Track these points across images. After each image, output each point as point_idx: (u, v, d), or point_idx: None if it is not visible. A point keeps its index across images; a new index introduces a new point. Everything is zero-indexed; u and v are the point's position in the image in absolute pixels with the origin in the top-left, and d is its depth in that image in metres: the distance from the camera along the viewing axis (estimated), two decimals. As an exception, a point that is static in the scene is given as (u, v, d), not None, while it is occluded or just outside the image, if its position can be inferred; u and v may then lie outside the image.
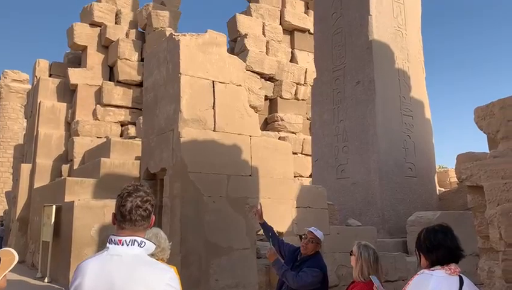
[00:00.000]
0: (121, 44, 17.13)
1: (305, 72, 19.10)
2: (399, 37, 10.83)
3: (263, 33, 18.81)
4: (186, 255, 5.87)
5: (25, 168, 15.19)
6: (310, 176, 14.67)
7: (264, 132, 17.24)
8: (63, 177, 12.94)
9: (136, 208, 2.05)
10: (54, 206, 10.44)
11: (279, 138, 17.18)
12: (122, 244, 1.98)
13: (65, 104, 16.70)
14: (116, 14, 18.46)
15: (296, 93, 18.86)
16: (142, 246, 2.00)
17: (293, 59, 19.53)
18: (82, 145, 15.33)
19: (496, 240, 4.39)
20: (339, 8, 11.18)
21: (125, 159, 12.19)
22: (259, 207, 5.11)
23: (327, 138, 11.03)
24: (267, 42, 18.61)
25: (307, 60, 19.24)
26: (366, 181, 9.91)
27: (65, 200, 10.49)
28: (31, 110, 17.32)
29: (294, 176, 15.60)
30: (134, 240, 1.99)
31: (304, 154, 17.48)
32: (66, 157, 15.88)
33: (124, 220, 2.04)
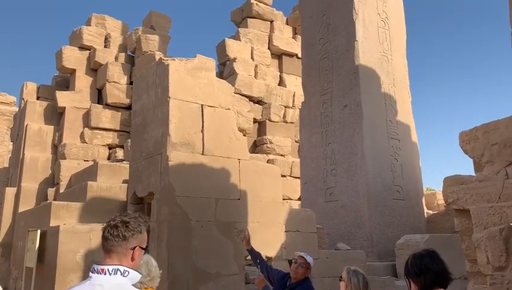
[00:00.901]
0: (110, 67, 17.17)
1: (294, 95, 19.29)
2: (385, 62, 11.05)
3: (252, 57, 19.05)
4: (173, 282, 5.77)
5: (10, 191, 14.91)
6: (299, 199, 14.65)
7: (253, 154, 17.25)
8: (48, 201, 12.72)
9: (111, 227, 2.02)
10: (39, 231, 10.21)
11: (268, 161, 17.21)
12: (105, 274, 1.93)
13: (52, 127, 16.56)
14: (106, 38, 18.55)
15: (284, 116, 19.00)
16: (125, 275, 1.95)
17: (281, 82, 19.75)
18: (69, 168, 15.14)
19: (484, 264, 4.41)
20: (326, 33, 11.40)
21: (112, 183, 12.04)
22: (246, 233, 5.08)
23: (316, 161, 11.08)
24: (256, 66, 18.83)
25: (295, 84, 19.46)
26: (355, 204, 9.94)
27: (50, 225, 10.27)
28: (18, 133, 17.13)
29: (283, 199, 15.59)
30: (117, 269, 1.94)
31: (292, 176, 17.49)
32: (52, 180, 15.65)
33: (103, 243, 2.01)
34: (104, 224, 2.07)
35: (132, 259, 2.03)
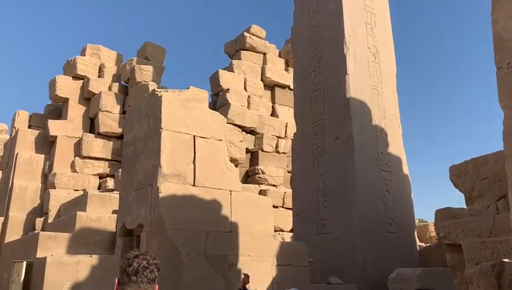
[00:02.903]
0: (103, 97, 17.24)
1: (286, 125, 19.42)
2: (376, 95, 11.21)
3: (245, 88, 19.26)
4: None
5: (-3, 221, 14.62)
6: (291, 231, 14.51)
7: (245, 184, 17.19)
8: (36, 232, 12.48)
9: (143, 268, 1.98)
10: (25, 263, 9.96)
11: (260, 191, 17.13)
12: None
13: (43, 155, 16.44)
14: (100, 68, 18.70)
15: (277, 147, 19.06)
16: None
17: (273, 113, 19.91)
18: (58, 198, 14.94)
19: (477, 301, 4.36)
20: (318, 66, 11.60)
21: (101, 213, 11.88)
22: (247, 279, 5.02)
23: (308, 192, 11.05)
24: (249, 97, 19.02)
25: (287, 114, 19.62)
26: (347, 237, 9.85)
27: (37, 256, 10.04)
28: (7, 162, 16.97)
29: (275, 230, 15.44)
30: None
31: (285, 207, 17.38)
32: (41, 210, 15.41)
33: (130, 281, 1.96)
34: (129, 261, 2.02)
35: None
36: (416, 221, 12.62)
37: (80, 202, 12.81)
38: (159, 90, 7.18)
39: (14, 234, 14.14)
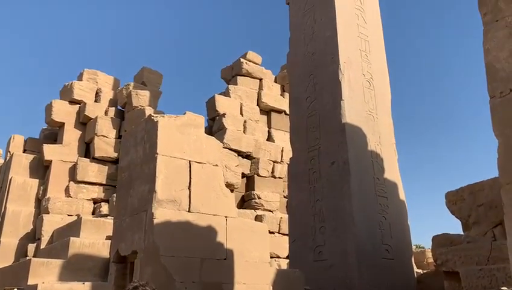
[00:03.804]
0: (99, 121, 17.27)
1: (282, 150, 19.45)
2: (371, 121, 11.28)
3: (241, 113, 19.37)
4: None
5: (-12, 247, 14.39)
6: (287, 257, 14.34)
7: (241, 210, 17.07)
8: (28, 258, 12.28)
9: None
10: (15, 290, 9.77)
11: (256, 217, 17.00)
12: None
13: (37, 180, 16.34)
14: (97, 93, 18.80)
15: (273, 171, 19.03)
16: None
17: (269, 138, 19.97)
18: (51, 223, 14.77)
19: (476, 331, 4.29)
20: (313, 92, 11.69)
21: (95, 239, 11.74)
22: None
23: (304, 218, 10.96)
24: (245, 121, 19.10)
25: (283, 139, 19.68)
26: (344, 264, 9.73)
27: (28, 283, 9.85)
28: (1, 186, 16.82)
29: (271, 257, 15.24)
30: None
31: (281, 233, 17.23)
32: (33, 235, 15.21)
33: None
34: None
35: None
36: (414, 247, 12.52)
37: (73, 228, 12.66)
38: (155, 115, 7.20)
39: (5, 260, 13.91)
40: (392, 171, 11.19)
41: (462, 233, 8.17)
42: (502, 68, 3.22)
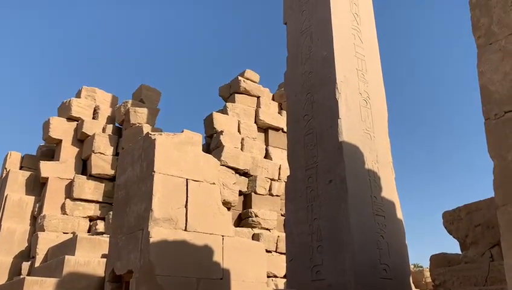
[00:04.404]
0: (96, 138, 17.26)
1: (279, 168, 19.44)
2: (368, 139, 11.30)
3: (238, 130, 19.41)
4: None
5: (-18, 265, 14.21)
6: (285, 276, 14.20)
7: (238, 228, 16.95)
8: (21, 277, 12.11)
9: None
10: (8, 310, 9.61)
11: (253, 235, 16.88)
12: None
13: (33, 197, 16.23)
14: (95, 110, 18.84)
15: (270, 189, 18.97)
16: None
17: (267, 155, 19.97)
18: (46, 241, 14.63)
19: None
20: (310, 110, 11.74)
21: (91, 257, 11.61)
22: None
23: (302, 237, 10.87)
24: (242, 139, 19.13)
25: (281, 157, 19.69)
26: (342, 283, 9.62)
27: (21, 303, 9.71)
28: (-4, 203, 16.69)
29: (268, 276, 15.09)
30: None
31: (278, 252, 17.08)
32: (28, 253, 15.04)
33: None
34: None
35: None
36: (412, 266, 12.42)
37: (68, 246, 12.54)
38: (152, 133, 7.21)
39: (-1, 278, 13.72)
40: (389, 190, 11.18)
41: (460, 252, 8.14)
42: (496, 90, 3.26)
